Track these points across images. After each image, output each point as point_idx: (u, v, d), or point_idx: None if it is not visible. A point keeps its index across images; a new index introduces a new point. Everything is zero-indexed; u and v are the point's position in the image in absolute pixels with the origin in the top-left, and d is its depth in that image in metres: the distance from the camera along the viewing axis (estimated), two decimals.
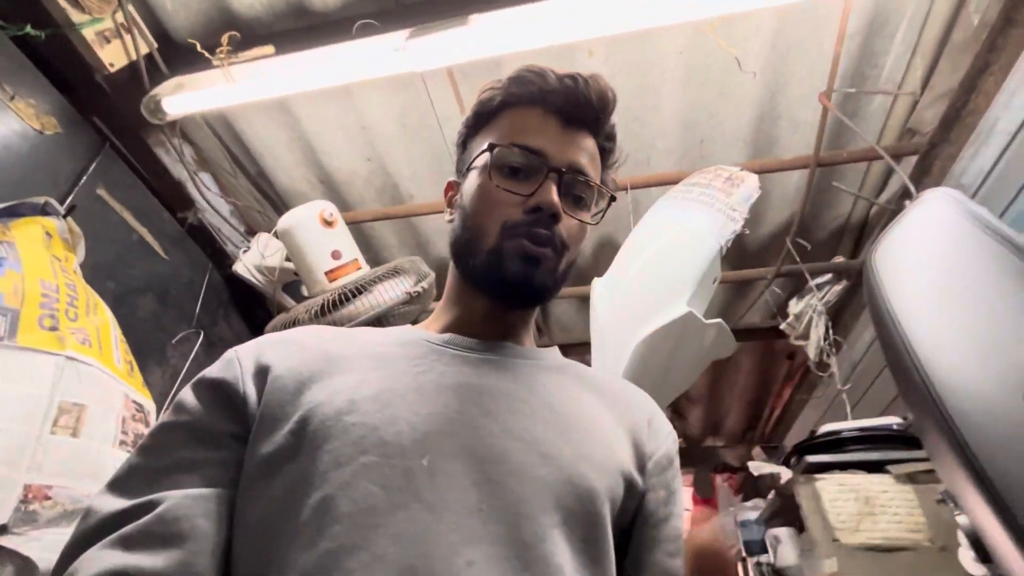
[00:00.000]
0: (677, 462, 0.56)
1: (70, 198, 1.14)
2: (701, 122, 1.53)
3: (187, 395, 0.48)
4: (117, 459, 0.85)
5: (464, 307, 0.59)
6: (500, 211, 0.54)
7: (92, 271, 1.19)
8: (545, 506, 0.43)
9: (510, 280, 0.53)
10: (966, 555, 1.05)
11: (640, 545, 0.50)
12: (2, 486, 0.70)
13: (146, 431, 0.95)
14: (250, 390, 0.48)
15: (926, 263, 0.83)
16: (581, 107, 0.56)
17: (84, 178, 1.19)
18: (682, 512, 0.54)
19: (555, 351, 0.62)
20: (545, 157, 0.54)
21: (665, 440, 0.56)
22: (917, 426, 0.75)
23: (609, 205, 0.61)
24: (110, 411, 0.87)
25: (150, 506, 0.41)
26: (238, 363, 0.50)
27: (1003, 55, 1.11)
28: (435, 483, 0.42)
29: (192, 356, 1.48)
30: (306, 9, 1.33)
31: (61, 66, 1.18)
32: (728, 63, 1.34)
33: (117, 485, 0.44)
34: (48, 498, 0.73)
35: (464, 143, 0.63)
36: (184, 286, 1.50)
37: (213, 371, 0.50)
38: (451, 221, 0.61)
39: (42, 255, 0.93)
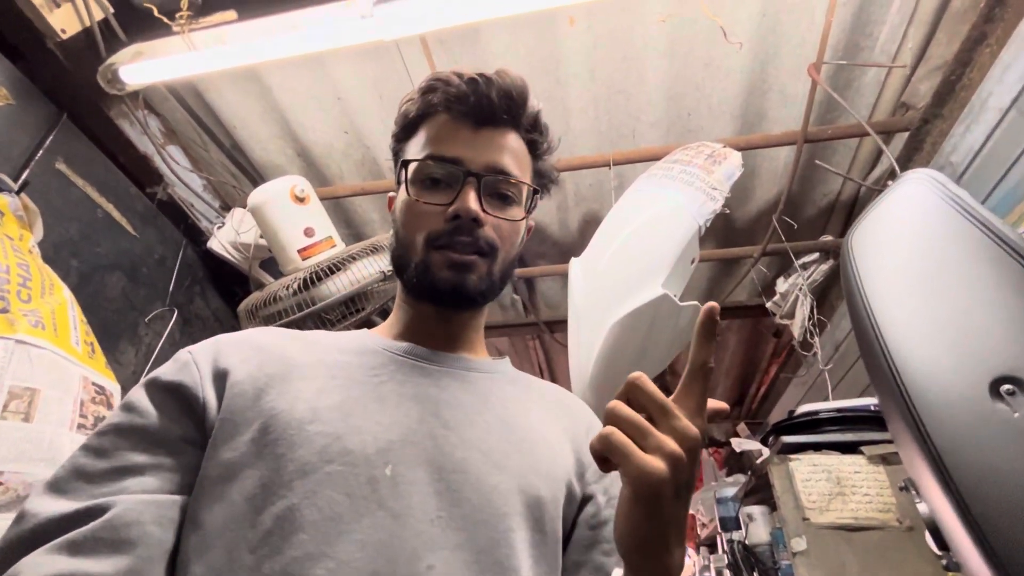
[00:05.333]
0: None
1: (25, 173, 1.10)
2: (687, 94, 1.48)
3: (139, 396, 0.47)
4: (75, 442, 0.84)
5: (414, 313, 0.59)
6: (424, 223, 0.54)
7: (54, 249, 1.16)
8: (499, 513, 0.45)
9: (441, 289, 0.54)
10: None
11: (578, 544, 0.51)
12: None
13: (108, 413, 0.94)
14: (210, 395, 0.47)
15: (902, 247, 0.80)
16: (490, 107, 0.56)
17: (40, 152, 1.14)
18: None
19: (507, 362, 0.63)
20: (461, 163, 0.55)
21: None
22: (884, 411, 0.73)
23: (534, 197, 0.60)
24: (66, 394, 0.86)
25: (98, 511, 0.40)
26: (195, 366, 0.48)
27: (1000, 26, 1.05)
28: (398, 491, 0.43)
29: (166, 334, 1.46)
30: None
31: (8, 32, 1.11)
32: (714, 32, 1.28)
33: (58, 487, 0.42)
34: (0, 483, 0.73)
35: (396, 156, 0.63)
36: (156, 263, 1.47)
37: (168, 373, 0.48)
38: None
39: None
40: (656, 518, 0.34)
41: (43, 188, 1.14)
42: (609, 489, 0.54)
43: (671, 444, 0.34)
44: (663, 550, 0.35)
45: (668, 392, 0.37)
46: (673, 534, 0.35)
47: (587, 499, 0.53)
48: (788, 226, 1.58)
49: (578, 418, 0.59)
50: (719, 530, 1.60)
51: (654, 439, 0.34)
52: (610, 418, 0.36)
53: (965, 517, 0.59)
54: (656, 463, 0.33)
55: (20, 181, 1.03)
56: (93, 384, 0.92)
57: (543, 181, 0.63)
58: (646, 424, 0.35)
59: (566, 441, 0.54)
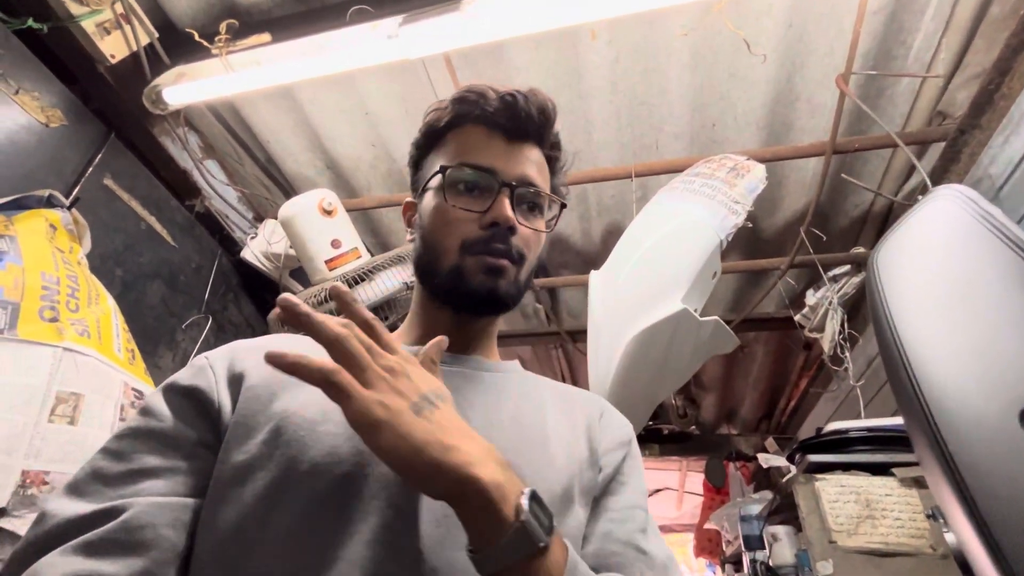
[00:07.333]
0: (631, 448, 0.59)
1: (76, 189, 1.18)
2: (711, 105, 1.46)
3: (156, 401, 0.48)
4: None
5: (431, 321, 0.60)
6: (458, 229, 0.55)
7: (101, 260, 1.23)
8: None
9: (475, 294, 0.55)
10: None
11: (590, 517, 0.52)
12: (1, 471, 0.74)
13: None
14: (224, 398, 0.48)
15: (930, 266, 0.78)
16: (523, 122, 0.58)
17: (90, 169, 1.22)
18: (635, 490, 0.56)
19: (517, 364, 0.64)
20: (495, 173, 0.56)
21: (616, 430, 0.60)
22: (911, 436, 0.71)
23: (561, 211, 0.64)
24: (108, 399, 0.91)
25: (114, 512, 0.41)
26: (211, 370, 0.50)
27: None
28: (407, 490, 0.43)
29: (202, 339, 1.53)
30: None
31: (64, 58, 1.20)
32: (739, 42, 1.26)
33: (77, 489, 0.43)
34: (46, 483, 0.78)
35: (416, 163, 0.64)
36: (193, 272, 1.54)
37: (185, 378, 0.49)
38: (412, 240, 0.62)
39: (44, 248, 0.97)
40: (397, 440, 0.35)
41: (92, 203, 1.21)
42: (620, 465, 0.56)
43: (394, 382, 0.38)
44: (434, 456, 0.36)
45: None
46: (439, 438, 0.37)
47: (599, 475, 0.54)
48: (817, 238, 1.54)
49: (590, 405, 0.61)
50: (743, 548, 1.56)
51: (370, 372, 0.38)
52: (335, 346, 0.39)
53: (993, 552, 0.56)
54: (372, 407, 0.36)
55: (71, 197, 1.10)
56: (133, 389, 0.98)
57: (560, 196, 0.65)
58: (366, 358, 0.39)
59: (580, 431, 0.56)
